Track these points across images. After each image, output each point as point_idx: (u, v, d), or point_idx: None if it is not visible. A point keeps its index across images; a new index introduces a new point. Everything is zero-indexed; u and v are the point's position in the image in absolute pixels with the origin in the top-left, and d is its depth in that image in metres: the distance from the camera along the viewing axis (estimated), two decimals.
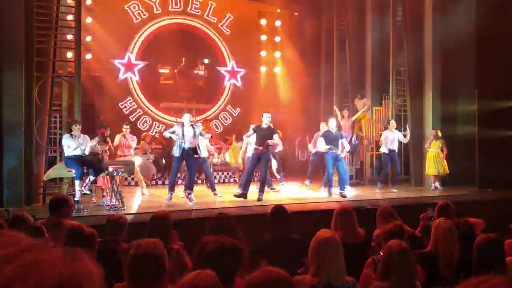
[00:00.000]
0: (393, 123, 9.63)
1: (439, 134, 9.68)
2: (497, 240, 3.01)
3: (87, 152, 7.02)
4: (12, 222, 3.70)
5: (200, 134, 8.03)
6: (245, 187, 8.05)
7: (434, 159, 9.61)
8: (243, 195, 8.01)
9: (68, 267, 0.68)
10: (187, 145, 7.69)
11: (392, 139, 9.43)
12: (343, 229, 3.75)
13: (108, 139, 8.31)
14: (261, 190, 8.10)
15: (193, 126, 7.85)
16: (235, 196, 8.07)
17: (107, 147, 8.22)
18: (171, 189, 7.84)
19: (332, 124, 8.62)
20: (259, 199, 7.94)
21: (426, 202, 7.34)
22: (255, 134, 8.24)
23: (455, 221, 3.77)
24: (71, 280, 0.67)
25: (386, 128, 9.90)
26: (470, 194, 9.09)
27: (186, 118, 7.85)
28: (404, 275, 2.45)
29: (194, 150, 7.81)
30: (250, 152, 8.93)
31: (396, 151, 9.56)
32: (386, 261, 2.52)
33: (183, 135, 7.68)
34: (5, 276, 0.63)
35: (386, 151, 9.44)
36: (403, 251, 2.51)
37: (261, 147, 7.98)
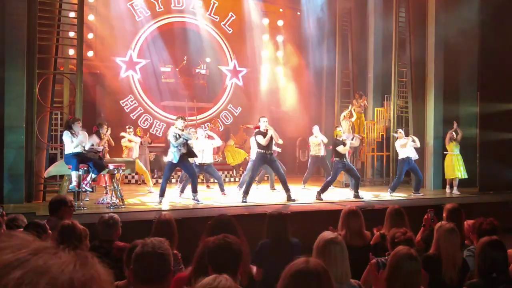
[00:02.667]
0: (401, 131, 9.26)
1: (458, 133, 9.37)
2: (499, 243, 2.97)
3: (87, 148, 6.98)
4: (7, 223, 3.67)
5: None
6: (247, 193, 7.82)
7: (454, 162, 9.32)
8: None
9: (79, 272, 0.66)
10: (182, 150, 7.55)
11: (409, 146, 9.05)
12: (349, 230, 3.73)
13: (107, 134, 8.22)
14: (287, 190, 7.93)
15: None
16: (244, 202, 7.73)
17: (104, 143, 8.12)
18: (162, 194, 7.53)
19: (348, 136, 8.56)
20: (293, 200, 7.82)
21: (427, 204, 7.32)
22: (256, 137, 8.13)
23: (480, 221, 3.73)
24: (82, 285, 0.65)
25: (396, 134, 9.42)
26: (471, 196, 9.06)
27: (180, 123, 7.64)
28: (411, 282, 2.40)
29: (188, 154, 7.67)
30: (252, 155, 8.94)
31: (411, 157, 9.02)
32: (393, 267, 2.46)
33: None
34: (15, 282, 0.61)
35: (404, 157, 9.00)
36: (411, 258, 2.45)
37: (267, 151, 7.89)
